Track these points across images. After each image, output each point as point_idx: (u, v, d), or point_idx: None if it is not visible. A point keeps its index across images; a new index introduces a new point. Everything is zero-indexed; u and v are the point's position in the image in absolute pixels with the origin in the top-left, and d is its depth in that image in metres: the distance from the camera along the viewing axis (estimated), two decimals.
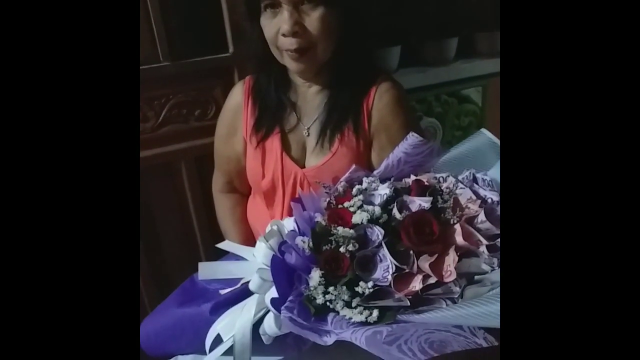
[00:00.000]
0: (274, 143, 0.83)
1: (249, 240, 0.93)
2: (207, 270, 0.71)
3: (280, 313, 0.57)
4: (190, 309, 0.73)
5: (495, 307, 0.47)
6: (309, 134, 0.82)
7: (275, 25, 0.73)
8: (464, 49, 1.49)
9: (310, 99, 0.82)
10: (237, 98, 0.87)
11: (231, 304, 0.70)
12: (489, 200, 0.64)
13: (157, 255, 1.19)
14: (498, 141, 0.71)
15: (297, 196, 0.75)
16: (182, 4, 1.05)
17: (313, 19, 0.71)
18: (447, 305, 0.55)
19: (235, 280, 0.73)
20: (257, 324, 0.64)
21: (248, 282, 0.69)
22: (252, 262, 0.70)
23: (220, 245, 0.81)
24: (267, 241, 0.66)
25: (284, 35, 0.72)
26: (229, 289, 0.72)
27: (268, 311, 0.63)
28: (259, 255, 0.66)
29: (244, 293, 0.69)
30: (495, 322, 0.46)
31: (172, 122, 1.11)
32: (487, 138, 0.72)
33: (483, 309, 0.48)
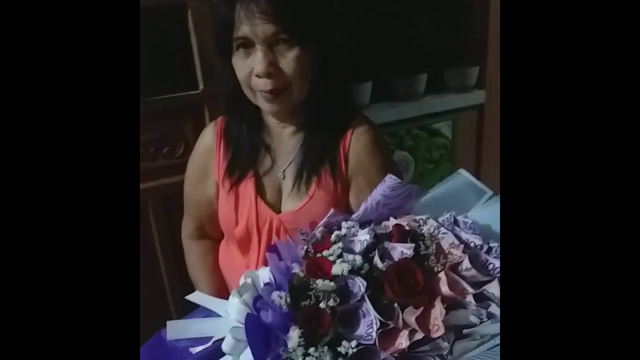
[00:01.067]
0: (247, 187, 0.79)
1: (221, 289, 0.88)
2: (176, 330, 0.65)
3: None
4: None
5: None
6: (284, 176, 0.79)
7: (249, 66, 0.70)
8: (434, 84, 1.53)
9: (285, 140, 0.80)
10: (208, 140, 0.84)
11: None
12: (472, 245, 0.62)
13: None
14: (476, 181, 0.70)
15: (272, 244, 0.71)
16: (151, 40, 1.02)
17: (288, 59, 0.69)
18: None
19: (204, 337, 0.67)
20: None
21: (220, 339, 0.64)
22: (225, 319, 0.65)
23: (191, 298, 0.76)
24: (241, 295, 0.61)
25: (258, 76, 0.69)
26: (200, 347, 0.67)
27: None
28: (232, 311, 0.61)
29: (218, 351, 0.64)
30: None
31: (140, 160, 1.06)
32: (464, 178, 0.71)
33: None
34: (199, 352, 0.66)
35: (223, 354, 0.62)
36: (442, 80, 1.55)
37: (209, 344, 0.66)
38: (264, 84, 0.70)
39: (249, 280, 0.64)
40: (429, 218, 0.67)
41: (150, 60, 1.01)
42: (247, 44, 0.69)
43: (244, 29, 0.68)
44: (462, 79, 1.52)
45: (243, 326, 0.58)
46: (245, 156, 0.80)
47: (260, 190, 0.79)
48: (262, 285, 0.63)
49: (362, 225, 0.67)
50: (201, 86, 1.07)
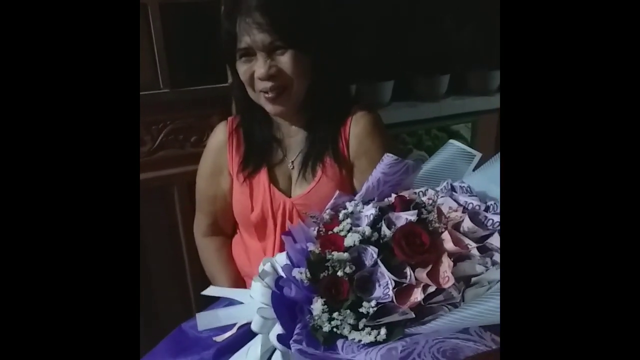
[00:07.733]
0: (261, 178, 0.86)
1: (237, 282, 0.92)
2: (207, 320, 0.69)
3: (289, 347, 0.56)
4: (189, 358, 0.71)
5: (493, 303, 0.47)
6: (293, 167, 0.86)
7: (251, 70, 0.77)
8: (456, 86, 1.54)
9: (294, 135, 0.87)
10: (220, 137, 0.90)
11: (233, 349, 0.68)
12: (470, 206, 0.66)
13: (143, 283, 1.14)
14: (467, 148, 0.75)
15: (287, 229, 0.75)
16: (185, 33, 1.09)
17: (286, 62, 0.76)
18: (449, 310, 0.56)
19: (227, 326, 0.71)
20: None
21: (244, 324, 0.68)
22: (248, 305, 0.69)
23: (208, 292, 0.79)
24: (263, 279, 0.65)
25: (260, 78, 0.76)
26: (226, 334, 0.71)
27: (274, 350, 0.62)
28: (257, 295, 0.65)
29: (245, 336, 0.68)
30: (495, 319, 0.47)
31: (168, 146, 1.13)
32: (455, 147, 0.76)
33: (481, 308, 0.49)
34: (226, 338, 0.69)
35: (249, 338, 0.66)
36: (465, 82, 1.55)
37: (234, 329, 0.70)
38: (265, 85, 0.77)
39: (267, 266, 0.68)
40: (427, 189, 0.72)
41: (183, 53, 1.09)
42: (249, 53, 0.77)
43: (245, 40, 0.75)
44: (485, 81, 1.51)
45: (268, 306, 0.62)
46: (258, 151, 0.86)
47: (273, 179, 0.86)
48: (280, 269, 0.67)
49: (366, 203, 0.71)
50: (230, 80, 1.12)
